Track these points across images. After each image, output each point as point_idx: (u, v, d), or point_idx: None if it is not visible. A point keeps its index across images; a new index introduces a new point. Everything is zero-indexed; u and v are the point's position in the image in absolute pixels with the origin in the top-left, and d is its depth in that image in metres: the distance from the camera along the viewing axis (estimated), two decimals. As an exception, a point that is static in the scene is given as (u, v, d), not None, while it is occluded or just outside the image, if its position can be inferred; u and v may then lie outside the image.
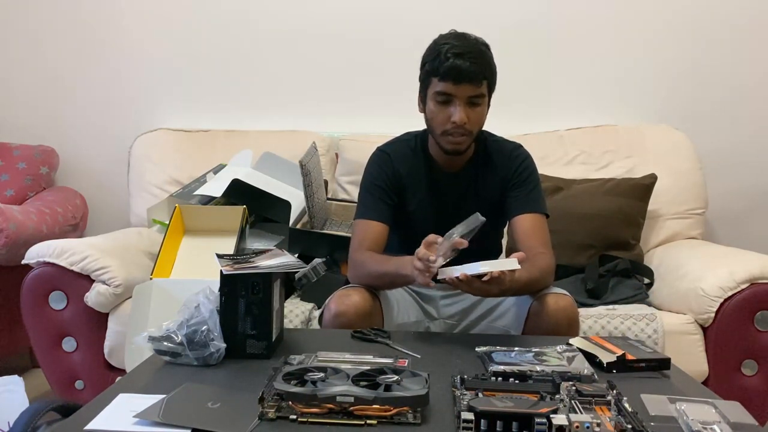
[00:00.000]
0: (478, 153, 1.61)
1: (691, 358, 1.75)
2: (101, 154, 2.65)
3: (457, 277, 1.28)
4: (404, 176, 1.61)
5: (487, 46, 1.50)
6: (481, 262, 1.28)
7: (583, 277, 2.03)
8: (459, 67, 1.43)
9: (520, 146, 1.65)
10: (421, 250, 1.31)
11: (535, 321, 1.45)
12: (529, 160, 1.63)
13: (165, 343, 1.14)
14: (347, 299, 1.44)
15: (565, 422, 0.82)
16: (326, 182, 2.36)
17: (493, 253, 1.76)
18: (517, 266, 1.27)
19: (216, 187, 2.14)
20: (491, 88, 1.52)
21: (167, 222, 2.04)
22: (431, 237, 1.34)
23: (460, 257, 1.32)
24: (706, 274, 1.80)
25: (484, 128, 1.64)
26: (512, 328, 1.53)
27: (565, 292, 1.48)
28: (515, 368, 1.06)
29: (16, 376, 1.37)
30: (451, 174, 1.61)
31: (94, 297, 1.81)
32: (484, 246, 1.71)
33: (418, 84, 1.56)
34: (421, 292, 1.66)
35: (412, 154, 1.62)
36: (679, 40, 2.51)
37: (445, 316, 1.64)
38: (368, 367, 0.99)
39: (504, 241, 1.81)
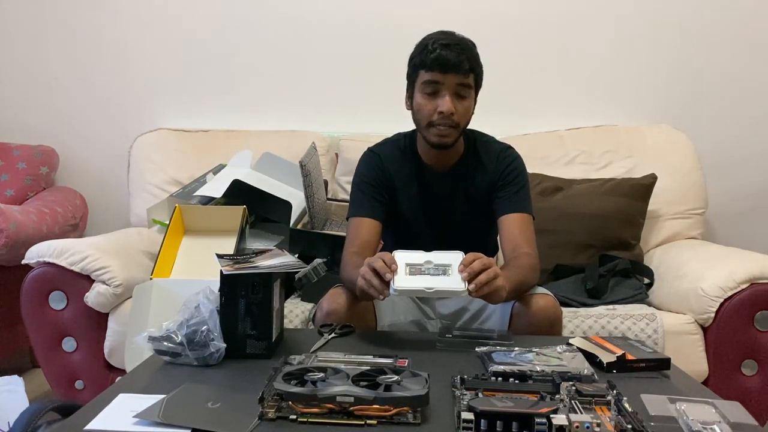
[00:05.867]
0: (467, 153, 1.62)
1: (691, 358, 1.75)
2: (101, 154, 2.65)
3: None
4: (394, 176, 1.62)
5: (473, 43, 1.52)
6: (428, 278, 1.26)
7: (583, 277, 2.03)
8: (446, 56, 1.45)
9: (509, 147, 1.65)
10: (382, 266, 1.25)
11: (517, 322, 1.44)
12: (518, 161, 1.62)
13: (165, 343, 1.13)
14: (338, 297, 1.44)
15: (565, 422, 0.82)
16: (326, 182, 2.36)
17: (486, 253, 1.75)
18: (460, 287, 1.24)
19: (216, 187, 2.13)
20: (478, 83, 1.53)
21: (167, 222, 2.04)
22: (378, 256, 1.29)
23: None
24: (706, 274, 1.80)
25: (474, 129, 1.64)
26: (498, 329, 1.52)
27: (547, 292, 1.48)
28: (515, 368, 1.05)
29: (16, 376, 1.37)
30: (441, 173, 1.61)
31: (94, 297, 1.81)
32: (475, 246, 1.71)
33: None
34: None
35: (401, 154, 1.63)
36: (679, 40, 2.51)
37: (441, 315, 1.64)
38: (368, 367, 1.00)
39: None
